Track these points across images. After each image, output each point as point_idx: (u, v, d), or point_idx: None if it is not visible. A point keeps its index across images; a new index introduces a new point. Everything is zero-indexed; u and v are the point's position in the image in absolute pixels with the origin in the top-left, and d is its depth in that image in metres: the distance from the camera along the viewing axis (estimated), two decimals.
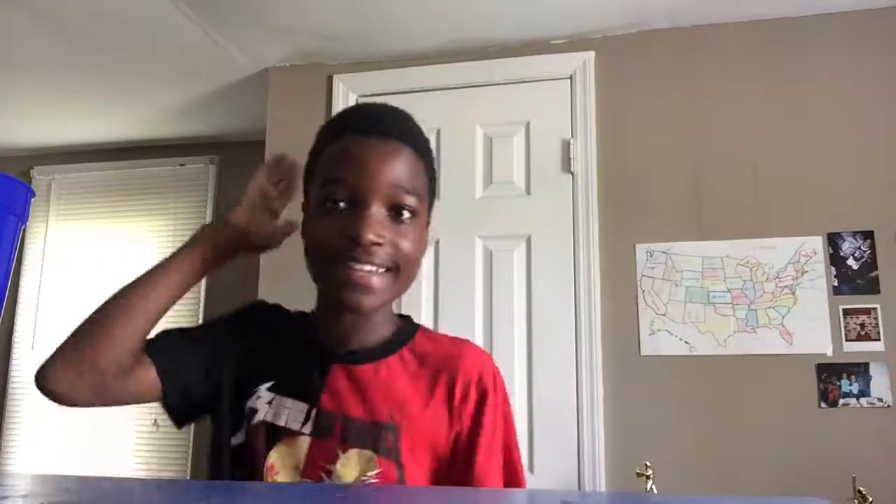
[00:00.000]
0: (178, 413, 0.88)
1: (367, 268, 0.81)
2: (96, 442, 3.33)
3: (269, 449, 0.83)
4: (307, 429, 0.83)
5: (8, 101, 3.13)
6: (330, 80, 2.69)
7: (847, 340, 2.14)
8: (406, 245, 0.83)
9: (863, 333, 2.13)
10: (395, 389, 0.85)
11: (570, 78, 2.48)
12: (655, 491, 1.99)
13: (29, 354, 3.51)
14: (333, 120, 0.92)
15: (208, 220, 3.43)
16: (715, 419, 2.16)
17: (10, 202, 0.53)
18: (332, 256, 0.81)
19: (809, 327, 2.17)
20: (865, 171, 2.23)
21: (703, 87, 2.39)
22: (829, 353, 2.14)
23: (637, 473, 2.00)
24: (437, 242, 2.44)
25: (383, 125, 0.86)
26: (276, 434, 0.84)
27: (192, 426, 0.92)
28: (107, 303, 0.83)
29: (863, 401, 2.10)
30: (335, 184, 0.83)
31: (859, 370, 2.12)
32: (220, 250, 0.89)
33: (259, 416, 0.85)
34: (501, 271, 2.40)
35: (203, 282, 3.35)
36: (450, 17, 2.41)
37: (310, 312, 0.96)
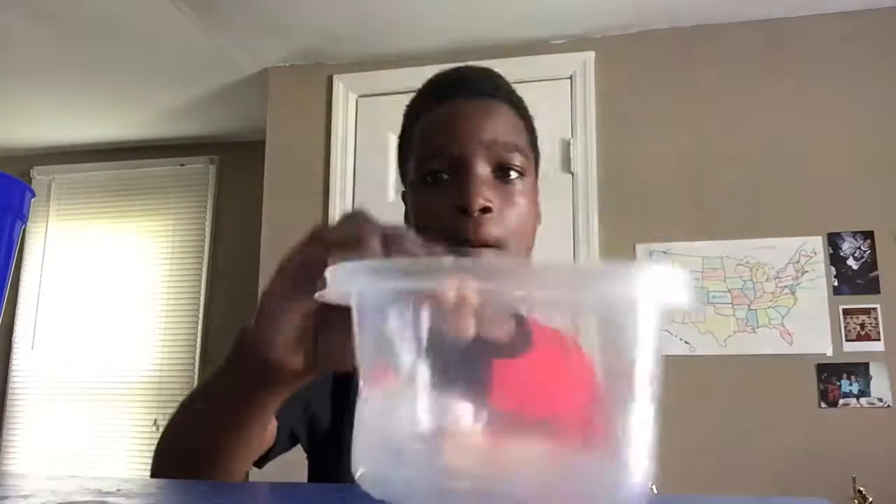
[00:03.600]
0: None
1: (482, 249, 0.72)
2: (96, 442, 3.34)
3: None
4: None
5: (8, 101, 3.13)
6: (330, 80, 2.69)
7: (847, 340, 2.14)
8: (517, 212, 0.75)
9: (863, 333, 2.13)
10: (555, 379, 0.78)
11: (570, 78, 2.48)
12: (655, 491, 1.99)
13: (29, 354, 3.51)
14: (417, 94, 0.85)
15: (208, 219, 3.43)
16: (715, 419, 2.16)
17: (9, 202, 0.52)
18: (444, 233, 0.72)
19: (809, 327, 2.17)
20: (865, 171, 2.23)
21: (703, 87, 2.39)
22: (829, 353, 2.14)
23: None
24: None
25: (471, 83, 0.80)
26: None
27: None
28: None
29: (863, 401, 2.10)
30: (432, 158, 0.76)
31: (859, 370, 2.12)
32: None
33: None
34: None
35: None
36: (450, 17, 2.41)
37: None
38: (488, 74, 0.83)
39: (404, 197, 0.82)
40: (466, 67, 0.84)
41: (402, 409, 0.35)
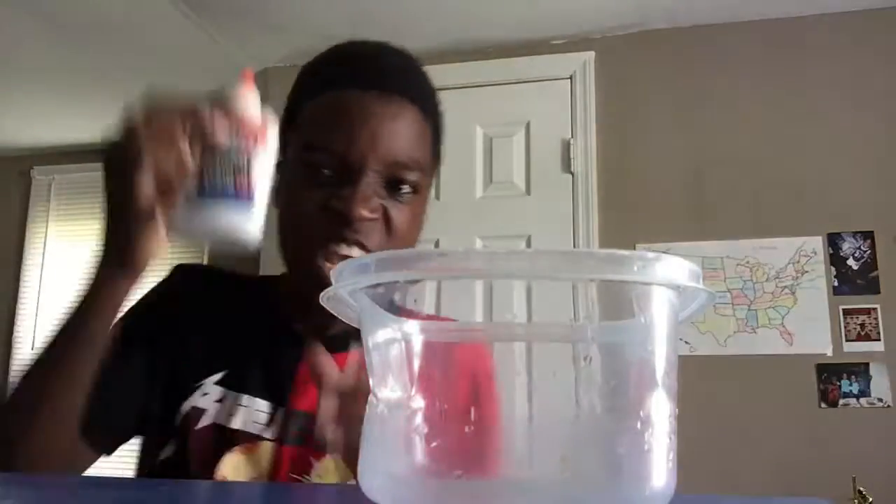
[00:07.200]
0: (107, 445, 0.71)
1: (356, 251, 0.66)
2: None
3: (217, 458, 0.67)
4: (271, 433, 0.69)
5: (8, 101, 3.13)
6: None
7: (847, 340, 2.14)
8: (402, 225, 0.69)
9: (863, 333, 2.13)
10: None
11: (570, 78, 2.48)
12: None
13: (29, 354, 3.50)
14: (320, 61, 0.74)
15: None
16: (715, 419, 2.16)
17: None
18: (312, 235, 0.66)
19: (809, 327, 2.17)
20: (865, 171, 2.23)
21: (703, 87, 2.39)
22: (829, 353, 2.14)
23: None
24: (437, 242, 2.44)
25: (382, 76, 0.70)
26: (226, 440, 0.68)
27: None
28: (29, 404, 0.60)
29: (863, 401, 2.10)
30: (320, 152, 0.67)
31: (859, 370, 2.12)
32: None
33: (207, 418, 0.69)
34: None
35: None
36: (450, 17, 2.41)
37: (270, 279, 0.80)
38: (404, 64, 0.74)
39: (279, 167, 0.70)
40: (382, 50, 0.74)
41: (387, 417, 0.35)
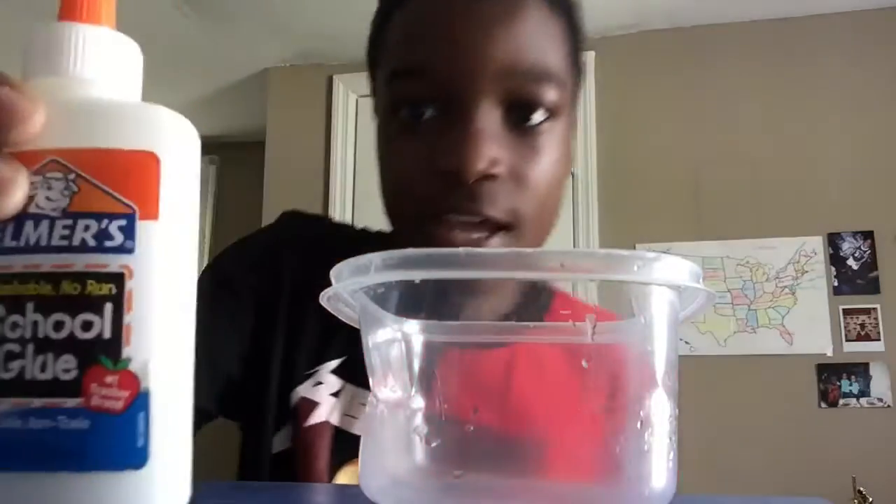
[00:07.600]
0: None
1: (475, 234, 0.49)
2: None
3: (335, 467, 0.54)
4: None
5: None
6: (330, 80, 2.68)
7: (847, 340, 2.14)
8: (539, 174, 0.50)
9: (863, 333, 2.13)
10: (538, 384, 0.59)
11: None
12: None
13: None
14: None
15: (208, 219, 3.43)
16: (715, 419, 2.16)
17: None
18: (419, 203, 0.49)
19: (809, 327, 2.17)
20: (865, 171, 2.23)
21: (703, 87, 2.39)
22: (829, 353, 2.14)
23: None
24: None
25: None
26: (344, 445, 0.54)
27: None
28: None
29: (863, 401, 2.10)
30: (411, 76, 0.50)
31: (859, 370, 2.12)
32: None
33: (320, 415, 0.55)
34: None
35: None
36: None
37: (394, 238, 0.58)
38: None
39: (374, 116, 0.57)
40: None
41: (395, 417, 0.35)
